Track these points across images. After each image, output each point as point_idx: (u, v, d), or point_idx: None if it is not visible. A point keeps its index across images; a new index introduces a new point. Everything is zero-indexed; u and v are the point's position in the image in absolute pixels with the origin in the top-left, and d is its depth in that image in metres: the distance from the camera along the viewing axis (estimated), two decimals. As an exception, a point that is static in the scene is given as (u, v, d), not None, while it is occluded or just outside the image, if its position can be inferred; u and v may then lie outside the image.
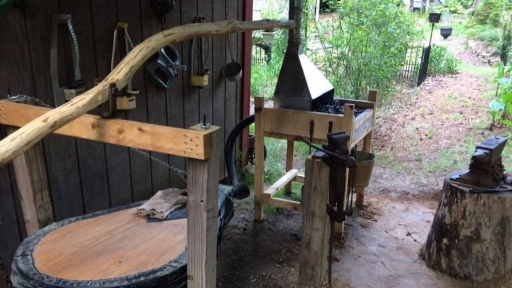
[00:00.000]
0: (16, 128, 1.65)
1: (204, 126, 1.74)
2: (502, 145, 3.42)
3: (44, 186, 2.34)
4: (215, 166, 1.80)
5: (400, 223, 4.24)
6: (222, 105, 4.60)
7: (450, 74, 10.86)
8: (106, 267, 2.01)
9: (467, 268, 3.33)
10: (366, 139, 4.28)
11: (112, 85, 1.77)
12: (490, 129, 6.80)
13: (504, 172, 3.43)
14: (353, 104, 3.53)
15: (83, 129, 1.91)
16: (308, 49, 10.05)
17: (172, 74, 3.61)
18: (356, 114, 3.72)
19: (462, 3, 20.61)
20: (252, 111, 4.87)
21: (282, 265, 3.53)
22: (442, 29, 15.85)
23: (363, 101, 4.29)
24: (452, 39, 15.72)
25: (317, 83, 3.97)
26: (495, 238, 3.24)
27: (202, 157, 1.71)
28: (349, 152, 3.02)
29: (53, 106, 2.51)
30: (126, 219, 2.48)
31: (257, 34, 11.80)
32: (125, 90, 3.15)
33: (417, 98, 8.80)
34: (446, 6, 19.72)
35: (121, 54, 3.12)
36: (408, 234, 4.05)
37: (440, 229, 3.45)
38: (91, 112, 1.75)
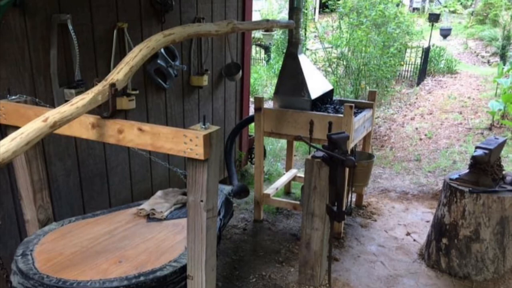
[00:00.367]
0: (16, 128, 1.65)
1: (203, 126, 1.74)
2: (501, 145, 3.42)
3: (44, 186, 2.34)
4: (214, 166, 1.80)
5: (400, 223, 4.24)
6: (222, 105, 4.60)
7: (450, 74, 10.87)
8: (106, 267, 2.01)
9: (466, 268, 3.34)
10: (366, 139, 4.28)
11: (112, 85, 1.77)
12: (490, 129, 6.81)
13: (504, 172, 3.43)
14: (353, 104, 3.54)
15: (83, 129, 1.91)
16: (307, 49, 10.05)
17: (172, 74, 3.62)
18: (355, 114, 3.72)
19: (461, 3, 20.63)
20: (251, 111, 4.88)
21: (281, 265, 3.53)
22: (441, 29, 15.86)
23: (363, 101, 4.30)
24: (451, 39, 15.73)
25: (317, 83, 3.98)
26: (494, 238, 3.24)
27: (202, 157, 1.71)
28: (349, 152, 3.03)
29: (53, 106, 2.51)
30: (126, 219, 2.48)
31: (257, 34, 11.80)
32: (125, 90, 3.16)
33: (416, 98, 8.81)
34: (445, 6, 19.74)
35: (121, 54, 3.12)
36: (408, 234, 4.05)
37: (439, 229, 3.46)
38: (91, 112, 1.75)
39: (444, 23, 17.21)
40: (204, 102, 4.26)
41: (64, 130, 1.80)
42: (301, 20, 3.98)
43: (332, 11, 9.79)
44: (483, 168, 3.28)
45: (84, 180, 3.11)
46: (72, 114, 1.65)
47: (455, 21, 18.37)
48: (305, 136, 3.65)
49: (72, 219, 2.45)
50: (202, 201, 1.81)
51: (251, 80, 7.50)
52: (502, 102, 7.04)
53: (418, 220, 4.31)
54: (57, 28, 2.68)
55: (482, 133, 6.65)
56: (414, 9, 20.63)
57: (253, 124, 4.09)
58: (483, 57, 13.00)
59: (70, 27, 2.68)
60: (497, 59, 12.01)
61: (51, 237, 2.25)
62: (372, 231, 4.07)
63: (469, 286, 3.30)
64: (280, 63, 6.40)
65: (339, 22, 8.50)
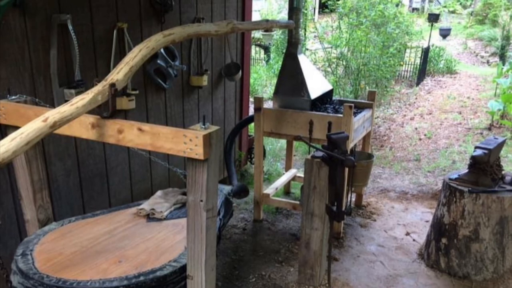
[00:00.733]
0: (16, 128, 1.65)
1: (203, 126, 1.75)
2: (501, 145, 3.43)
3: (44, 186, 2.35)
4: (214, 166, 1.80)
5: (399, 223, 4.25)
6: (222, 105, 4.60)
7: (449, 74, 10.88)
8: (105, 267, 2.02)
9: (466, 267, 3.34)
10: (365, 139, 4.29)
11: (112, 85, 1.77)
12: (489, 129, 6.81)
13: (503, 172, 3.44)
14: (352, 104, 3.54)
15: (83, 129, 1.92)
16: (307, 49, 10.05)
17: (172, 74, 3.62)
18: (355, 114, 3.72)
19: (461, 4, 20.64)
20: (251, 111, 4.88)
21: (281, 264, 3.54)
22: (441, 29, 15.87)
23: (362, 101, 4.30)
24: (451, 39, 15.74)
25: (316, 83, 3.98)
26: (494, 238, 3.25)
27: (202, 157, 1.71)
28: (348, 152, 3.03)
29: (53, 106, 2.51)
30: (125, 219, 2.48)
31: (257, 34, 11.81)
32: (124, 90, 3.16)
33: (416, 98, 8.81)
34: (445, 7, 19.76)
35: (121, 54, 3.13)
36: (407, 233, 4.06)
37: (439, 229, 3.46)
38: (91, 112, 1.75)
39: (443, 23, 17.22)
40: (203, 102, 4.27)
41: (64, 130, 1.81)
42: (301, 20, 3.98)
43: (331, 11, 9.79)
44: (483, 168, 3.28)
45: (84, 180, 3.11)
46: (72, 114, 1.65)
47: (455, 21, 18.38)
48: (305, 136, 3.65)
49: (72, 219, 2.45)
50: (202, 201, 1.81)
51: (251, 80, 7.50)
52: (501, 102, 7.05)
53: (418, 220, 4.31)
54: (57, 28, 2.68)
55: (481, 133, 6.66)
56: (413, 9, 20.64)
57: (252, 124, 4.09)
58: (482, 57, 13.01)
59: (70, 27, 2.68)
60: (497, 59, 12.02)
61: (51, 237, 2.25)
62: (372, 231, 4.08)
63: (468, 286, 3.31)
64: (280, 63, 6.41)
65: (339, 22, 8.50)
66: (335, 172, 2.92)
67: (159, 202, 2.62)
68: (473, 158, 3.29)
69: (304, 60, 3.97)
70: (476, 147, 3.32)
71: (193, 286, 1.97)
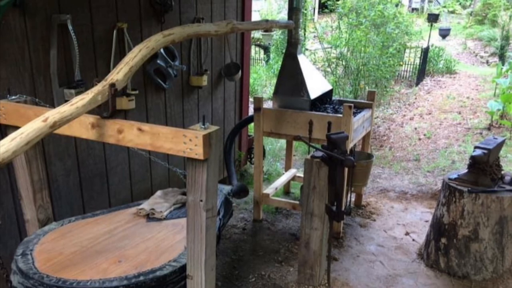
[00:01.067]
0: (16, 128, 1.66)
1: (203, 126, 1.75)
2: (500, 145, 3.43)
3: (44, 186, 2.35)
4: (214, 166, 1.81)
5: (399, 223, 4.25)
6: (221, 105, 4.60)
7: (449, 74, 10.88)
8: (105, 267, 2.02)
9: (465, 267, 3.35)
10: (365, 139, 4.29)
11: (112, 85, 1.78)
12: (489, 129, 6.82)
13: (502, 172, 3.44)
14: (352, 104, 3.55)
15: (82, 129, 1.92)
16: (307, 49, 10.06)
17: (172, 74, 3.62)
18: (354, 114, 3.73)
19: (460, 4, 20.65)
20: (251, 111, 4.88)
21: (281, 264, 3.54)
22: (440, 30, 15.87)
23: (362, 101, 4.30)
24: (450, 39, 15.74)
25: (316, 83, 3.98)
26: (493, 238, 3.25)
27: (201, 157, 1.71)
28: (348, 152, 3.03)
29: (53, 106, 2.51)
30: (125, 219, 2.49)
31: (256, 34, 11.81)
32: (124, 90, 3.16)
33: (415, 98, 8.82)
34: (444, 7, 19.76)
35: (121, 54, 3.13)
36: (407, 233, 4.06)
37: (438, 229, 3.46)
38: (90, 112, 1.76)
39: (443, 23, 17.23)
40: (203, 102, 4.27)
41: (64, 130, 1.81)
42: (301, 20, 3.98)
43: (331, 11, 9.79)
44: (482, 168, 3.28)
45: (84, 180, 3.11)
46: (72, 114, 1.65)
47: (454, 21, 18.39)
48: (305, 136, 3.66)
49: (72, 219, 2.46)
50: (201, 201, 1.81)
51: (251, 80, 7.51)
52: (501, 102, 7.05)
53: (417, 220, 4.31)
54: (57, 28, 2.68)
55: (481, 133, 6.66)
56: (413, 9, 20.65)
57: (252, 124, 4.09)
58: (482, 57, 13.01)
59: (70, 27, 2.69)
60: (496, 59, 12.03)
61: (51, 237, 2.25)
62: (371, 231, 4.08)
63: (468, 285, 3.31)
64: (280, 63, 6.41)
65: (338, 22, 8.51)
66: (335, 172, 2.92)
67: (159, 202, 2.62)
68: (472, 158, 3.30)
69: (303, 60, 3.98)
70: (476, 147, 3.33)
71: (193, 286, 1.97)
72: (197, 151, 1.71)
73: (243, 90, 4.95)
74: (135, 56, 1.87)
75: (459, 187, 3.30)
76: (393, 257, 3.67)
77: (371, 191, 4.95)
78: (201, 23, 3.83)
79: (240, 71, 4.50)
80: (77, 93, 2.67)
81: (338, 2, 8.68)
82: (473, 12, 17.45)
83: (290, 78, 3.85)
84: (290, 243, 3.85)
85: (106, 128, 1.87)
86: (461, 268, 3.36)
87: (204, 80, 4.04)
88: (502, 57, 11.72)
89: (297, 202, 4.09)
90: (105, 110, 1.83)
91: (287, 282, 3.32)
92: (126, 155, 3.43)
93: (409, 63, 10.35)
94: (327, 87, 4.20)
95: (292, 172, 4.74)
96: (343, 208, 2.99)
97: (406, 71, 10.32)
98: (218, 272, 3.37)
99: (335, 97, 4.36)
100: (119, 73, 1.82)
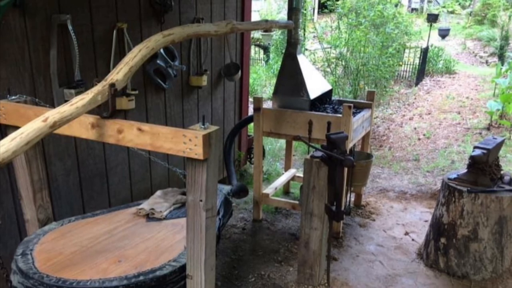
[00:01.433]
0: (16, 128, 1.66)
1: (203, 126, 1.75)
2: (499, 145, 3.44)
3: (44, 185, 2.35)
4: (214, 166, 1.81)
5: (398, 223, 4.26)
6: (221, 105, 4.61)
7: (448, 74, 10.89)
8: (105, 266, 2.02)
9: (465, 267, 3.35)
10: (364, 139, 4.29)
11: (112, 85, 1.78)
12: (488, 129, 6.82)
13: (502, 172, 3.45)
14: (352, 104, 3.55)
15: (82, 129, 1.92)
16: (306, 49, 10.06)
17: (171, 74, 3.63)
18: (354, 114, 3.73)
19: (459, 4, 20.66)
20: (251, 111, 4.88)
21: (280, 264, 3.54)
22: (440, 30, 15.88)
23: (362, 101, 4.31)
24: (450, 39, 15.75)
25: (316, 83, 3.99)
26: (492, 238, 3.25)
27: (201, 157, 1.72)
28: (348, 152, 3.04)
29: (52, 106, 2.51)
30: (125, 219, 2.49)
31: (256, 34, 11.82)
32: (124, 90, 3.16)
33: (415, 98, 8.82)
34: (444, 7, 19.77)
35: (121, 54, 3.13)
36: (406, 233, 4.06)
37: (438, 229, 3.47)
38: (90, 112, 1.76)
39: (442, 23, 17.24)
40: (203, 102, 4.27)
41: (64, 130, 1.81)
42: (300, 20, 3.99)
43: (331, 11, 9.80)
44: (482, 168, 3.29)
45: (84, 180, 3.11)
46: (72, 114, 1.66)
47: (454, 21, 18.39)
48: (304, 136, 3.66)
49: (71, 219, 2.46)
50: (201, 200, 1.82)
51: (250, 80, 7.52)
52: (500, 102, 7.06)
53: (417, 220, 4.32)
54: (57, 28, 2.69)
55: (480, 133, 6.67)
56: (412, 9, 20.65)
57: (252, 124, 4.10)
58: (481, 57, 13.02)
59: (70, 27, 2.69)
60: (495, 59, 12.03)
61: (51, 237, 2.26)
62: (371, 231, 4.08)
63: (467, 285, 3.31)
64: (279, 63, 6.41)
65: (338, 22, 8.51)
66: (334, 172, 2.92)
67: (158, 202, 2.63)
68: (472, 158, 3.30)
69: (303, 60, 3.98)
70: (475, 147, 3.33)
71: (193, 286, 1.97)
72: (196, 151, 1.71)
73: (242, 90, 4.95)
74: (135, 56, 1.88)
75: (458, 187, 3.30)
76: (392, 257, 3.67)
77: (370, 191, 4.96)
78: (200, 23, 3.83)
79: (239, 71, 4.50)
80: (77, 93, 2.67)
81: (338, 2, 8.69)
82: (472, 12, 17.46)
83: (289, 78, 3.85)
84: (289, 243, 3.85)
85: (106, 128, 1.87)
86: (461, 268, 3.36)
87: (204, 80, 4.04)
88: (501, 57, 11.72)
89: (296, 202, 4.10)
90: (105, 110, 1.84)
91: (287, 282, 3.32)
92: (126, 155, 3.43)
93: (409, 63, 10.36)
94: (327, 87, 4.21)
95: (291, 172, 4.74)
96: (342, 208, 2.99)
97: (406, 71, 10.33)
98: (218, 272, 3.37)
99: (334, 97, 4.37)
100: (119, 73, 1.82)
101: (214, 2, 4.17)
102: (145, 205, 2.59)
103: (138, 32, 3.34)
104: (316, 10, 17.07)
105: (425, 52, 10.06)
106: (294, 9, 3.88)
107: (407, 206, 4.62)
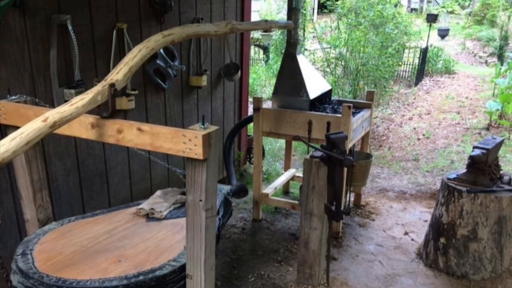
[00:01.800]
0: (16, 128, 1.66)
1: (202, 126, 1.75)
2: (499, 145, 3.44)
3: (43, 185, 2.35)
4: (213, 166, 1.81)
5: (398, 223, 4.26)
6: (221, 105, 4.61)
7: (447, 74, 10.90)
8: (105, 266, 2.02)
9: (464, 267, 3.35)
10: (364, 139, 4.30)
11: (111, 85, 1.78)
12: (487, 129, 6.83)
13: (501, 172, 3.45)
14: (351, 104, 3.55)
15: (82, 129, 1.92)
16: (306, 49, 10.07)
17: (171, 75, 3.63)
18: (354, 114, 3.73)
19: (459, 4, 20.68)
20: (250, 111, 4.89)
21: (280, 264, 3.55)
22: (439, 30, 15.89)
23: (361, 101, 4.31)
24: (449, 39, 15.76)
25: (315, 83, 3.99)
26: (492, 237, 3.26)
27: (201, 157, 1.72)
28: (347, 152, 3.04)
29: (52, 106, 2.51)
30: (125, 219, 2.49)
31: (256, 34, 11.82)
32: (124, 90, 3.17)
33: (414, 98, 8.83)
34: (443, 7, 19.78)
35: (120, 54, 3.13)
36: (406, 233, 4.07)
37: (437, 229, 3.47)
38: (90, 112, 1.76)
39: (442, 23, 17.25)
40: (203, 102, 4.28)
41: (63, 130, 1.81)
42: (300, 20, 3.99)
43: (330, 11, 9.81)
44: (481, 167, 3.29)
45: (84, 179, 3.12)
46: (71, 114, 1.66)
47: (453, 21, 18.41)
48: (304, 136, 3.66)
49: (71, 219, 2.46)
50: (201, 200, 1.82)
51: (250, 80, 7.52)
52: (499, 102, 7.06)
53: (416, 220, 4.32)
54: (57, 28, 2.69)
55: (479, 133, 6.67)
56: (412, 9, 20.67)
57: (251, 124, 4.10)
58: (480, 57, 13.03)
59: (70, 27, 2.69)
60: (495, 59, 12.05)
61: (51, 237, 2.26)
62: (370, 231, 4.09)
63: (466, 285, 3.32)
64: (279, 63, 6.41)
65: (338, 22, 8.52)
66: (334, 172, 2.93)
67: (158, 201, 2.63)
68: (471, 158, 3.31)
69: (303, 60, 3.98)
70: (475, 147, 3.33)
71: (193, 286, 1.97)
72: (196, 151, 1.71)
73: (242, 90, 4.95)
74: (134, 56, 1.88)
75: (458, 187, 3.31)
76: (392, 257, 3.68)
77: (370, 191, 4.96)
78: (200, 23, 3.84)
79: (239, 71, 4.50)
80: (77, 93, 2.67)
81: (337, 2, 8.70)
82: (472, 12, 17.47)
83: (289, 78, 3.85)
84: (289, 242, 3.85)
85: (106, 128, 1.87)
86: (460, 267, 3.37)
87: (204, 80, 4.04)
88: (500, 57, 11.73)
89: (296, 202, 4.10)
90: (105, 110, 1.84)
91: (286, 282, 3.32)
92: (125, 155, 3.44)
93: (408, 63, 10.37)
94: (326, 87, 4.21)
95: (291, 172, 4.74)
96: (342, 208, 3.00)
97: (405, 71, 10.34)
98: (218, 271, 3.37)
99: (334, 97, 4.37)
100: (118, 73, 1.82)
101: (214, 2, 4.17)
102: (145, 205, 2.59)
103: (138, 32, 3.34)
104: (315, 10, 17.07)
105: (424, 52, 10.07)
106: (293, 9, 3.88)
107: (406, 206, 4.63)
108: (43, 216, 2.38)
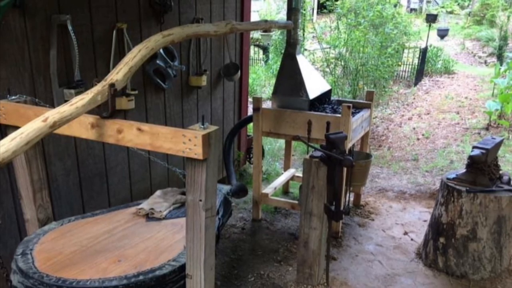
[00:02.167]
0: (16, 128, 1.66)
1: (202, 126, 1.76)
2: (498, 145, 3.44)
3: (43, 185, 2.35)
4: (213, 166, 1.82)
5: (397, 222, 4.26)
6: (221, 105, 4.61)
7: (447, 74, 10.90)
8: (105, 266, 2.03)
9: (463, 267, 3.36)
10: (364, 139, 4.30)
11: (111, 85, 1.78)
12: (487, 129, 6.84)
13: (501, 172, 3.45)
14: (351, 104, 3.55)
15: (82, 129, 1.92)
16: (306, 49, 10.07)
17: (171, 75, 3.63)
18: (353, 114, 3.74)
19: (458, 4, 20.69)
20: (250, 111, 4.89)
21: (280, 264, 3.55)
22: (438, 30, 15.90)
23: (361, 101, 4.32)
24: (448, 39, 15.77)
25: (315, 83, 3.99)
26: (491, 237, 3.26)
27: (201, 157, 1.72)
28: (347, 152, 3.04)
29: (52, 106, 2.52)
30: (125, 219, 2.49)
31: (255, 34, 11.83)
32: (124, 90, 3.17)
33: (414, 98, 8.83)
34: (442, 7, 19.80)
35: (120, 54, 3.14)
36: (405, 233, 4.07)
37: (437, 228, 3.48)
38: (90, 112, 1.76)
39: (441, 23, 17.26)
40: (203, 102, 4.28)
41: (63, 130, 1.82)
42: (299, 20, 3.99)
43: (330, 11, 9.81)
44: (480, 167, 3.30)
45: (84, 179, 3.12)
46: (71, 114, 1.66)
47: (452, 21, 18.42)
48: (303, 136, 3.66)
49: (71, 219, 2.46)
50: (201, 200, 1.82)
51: (250, 80, 7.52)
52: (499, 102, 7.07)
53: (416, 220, 4.33)
54: (57, 28, 2.69)
55: (479, 133, 6.68)
56: (411, 9, 20.67)
57: (251, 124, 4.10)
58: (480, 57, 13.04)
59: (70, 27, 2.69)
60: (494, 59, 12.05)
61: (51, 236, 2.26)
62: (370, 231, 4.09)
63: (466, 285, 3.32)
64: (279, 63, 6.42)
65: (337, 22, 8.52)
66: (334, 171, 2.93)
67: (158, 201, 2.63)
68: (470, 158, 3.31)
69: (302, 61, 3.99)
70: (474, 147, 3.34)
71: (192, 285, 1.98)
72: (196, 151, 1.72)
73: (242, 90, 4.95)
74: (134, 56, 1.88)
75: (457, 187, 3.31)
76: (391, 257, 3.68)
77: (369, 190, 4.97)
78: (200, 24, 3.84)
79: (239, 71, 4.51)
80: (77, 93, 2.67)
81: (337, 3, 8.70)
82: (471, 13, 17.49)
83: (289, 78, 3.86)
84: (289, 242, 3.86)
85: (106, 128, 1.88)
86: (459, 267, 3.37)
87: (204, 80, 4.04)
88: (500, 57, 11.74)
89: (296, 201, 4.10)
90: (105, 110, 1.84)
91: (286, 282, 3.33)
92: (125, 155, 3.44)
93: (408, 63, 10.37)
94: (326, 87, 4.21)
95: (291, 172, 4.75)
96: (341, 208, 3.00)
97: (405, 71, 10.35)
98: (217, 271, 3.38)
99: (333, 97, 4.38)
100: (118, 73, 1.82)
101: (214, 2, 4.18)
102: (145, 205, 2.59)
103: (137, 32, 3.34)
104: (315, 10, 17.08)
105: (424, 52, 10.08)
106: (293, 10, 3.88)
107: (406, 206, 4.63)
108: (43, 216, 2.38)
